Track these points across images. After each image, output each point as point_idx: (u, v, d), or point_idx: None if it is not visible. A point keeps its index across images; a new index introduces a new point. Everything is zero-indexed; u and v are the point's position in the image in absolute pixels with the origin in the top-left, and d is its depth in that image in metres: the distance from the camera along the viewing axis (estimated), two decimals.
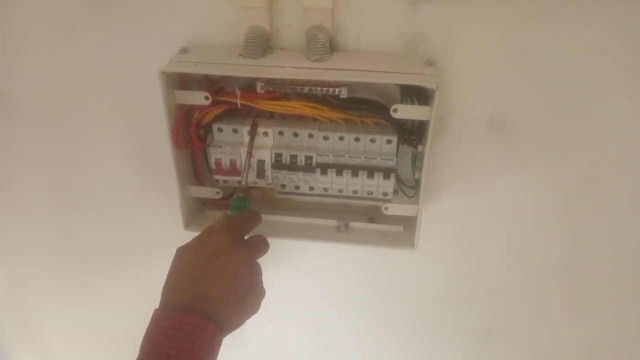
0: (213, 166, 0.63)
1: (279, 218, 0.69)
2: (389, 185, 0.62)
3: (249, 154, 0.61)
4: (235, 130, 0.62)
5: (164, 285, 0.56)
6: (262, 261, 0.61)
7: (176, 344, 0.49)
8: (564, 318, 0.79)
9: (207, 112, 0.61)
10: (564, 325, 0.80)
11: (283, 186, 0.64)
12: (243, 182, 0.62)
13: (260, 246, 0.61)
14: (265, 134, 0.62)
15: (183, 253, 0.57)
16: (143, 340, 0.50)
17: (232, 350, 0.91)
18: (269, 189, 0.69)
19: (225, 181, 0.65)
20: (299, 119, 0.63)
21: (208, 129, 0.63)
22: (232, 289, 0.54)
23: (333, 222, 0.68)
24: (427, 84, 0.53)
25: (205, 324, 0.51)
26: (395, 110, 0.57)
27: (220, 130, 0.62)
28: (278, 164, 0.62)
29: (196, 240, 0.58)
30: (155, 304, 0.54)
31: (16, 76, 0.70)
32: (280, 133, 0.62)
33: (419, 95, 0.58)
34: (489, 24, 0.57)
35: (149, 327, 0.51)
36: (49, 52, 0.67)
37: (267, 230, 0.67)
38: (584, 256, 0.72)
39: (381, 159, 0.60)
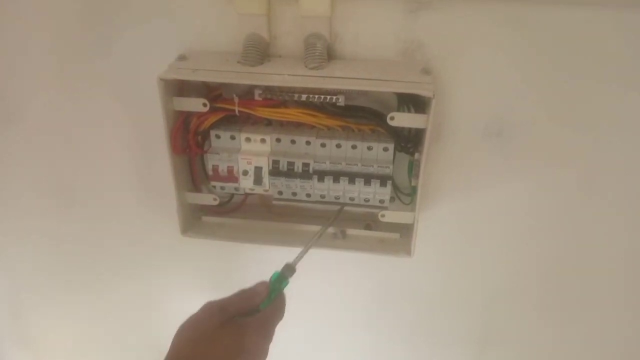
0: (210, 172, 0.64)
1: (276, 225, 0.69)
2: (386, 192, 0.62)
3: None
4: (232, 137, 0.62)
5: (183, 340, 0.51)
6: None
7: None
8: (561, 324, 0.79)
9: (205, 118, 0.62)
10: (560, 331, 0.80)
11: (280, 193, 0.64)
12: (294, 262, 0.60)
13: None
14: (263, 140, 0.62)
15: (216, 329, 0.52)
16: None
17: None
18: (266, 196, 0.69)
19: (222, 187, 0.65)
20: (297, 126, 0.63)
21: (206, 135, 0.63)
22: None
23: (330, 229, 0.69)
24: (424, 92, 0.53)
25: None
26: (392, 118, 0.57)
27: (217, 137, 0.62)
28: (275, 171, 0.62)
29: (232, 327, 0.53)
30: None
31: (16, 81, 0.70)
32: (278, 140, 0.62)
33: (415, 103, 0.58)
34: (486, 32, 0.57)
35: None
36: (48, 57, 0.67)
37: (264, 237, 0.68)
38: (581, 261, 0.72)
39: (378, 166, 0.60)
